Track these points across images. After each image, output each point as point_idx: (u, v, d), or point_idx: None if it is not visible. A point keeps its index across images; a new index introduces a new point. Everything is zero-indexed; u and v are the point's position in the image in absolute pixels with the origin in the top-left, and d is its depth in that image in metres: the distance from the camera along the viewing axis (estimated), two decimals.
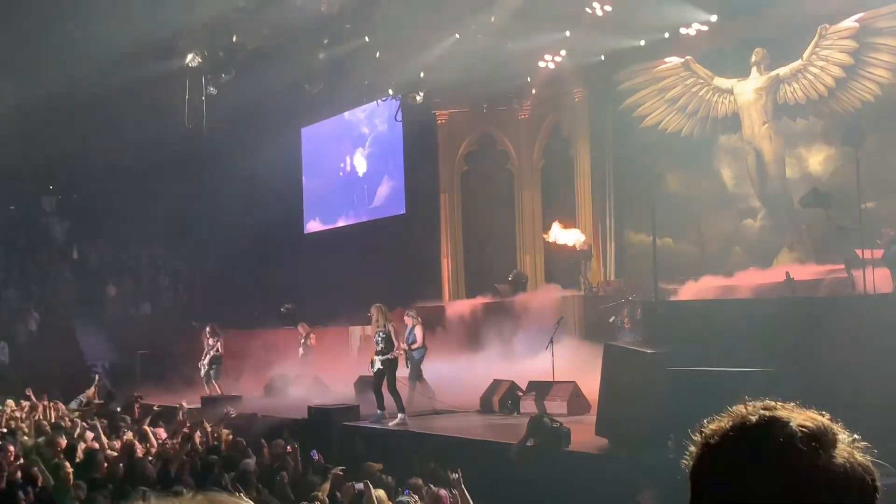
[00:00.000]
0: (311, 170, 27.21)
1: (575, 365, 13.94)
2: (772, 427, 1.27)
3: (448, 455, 10.06)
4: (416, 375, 14.47)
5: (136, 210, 25.01)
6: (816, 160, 16.53)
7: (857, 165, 10.03)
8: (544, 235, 19.52)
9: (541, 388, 13.39)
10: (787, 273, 11.51)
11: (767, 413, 1.30)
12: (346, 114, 25.33)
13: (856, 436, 1.31)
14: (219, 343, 17.87)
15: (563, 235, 18.85)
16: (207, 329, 18.24)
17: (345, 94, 22.29)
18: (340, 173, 26.08)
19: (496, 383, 14.19)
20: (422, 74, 20.53)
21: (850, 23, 15.91)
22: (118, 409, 15.51)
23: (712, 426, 1.33)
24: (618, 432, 9.42)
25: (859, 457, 1.27)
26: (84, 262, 27.74)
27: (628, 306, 15.43)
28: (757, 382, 7.91)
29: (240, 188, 24.59)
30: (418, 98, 20.92)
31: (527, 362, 15.00)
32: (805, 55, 16.56)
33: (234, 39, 19.36)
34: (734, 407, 1.34)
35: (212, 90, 19.30)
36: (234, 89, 20.49)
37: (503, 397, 13.77)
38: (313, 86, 20.95)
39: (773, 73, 17.06)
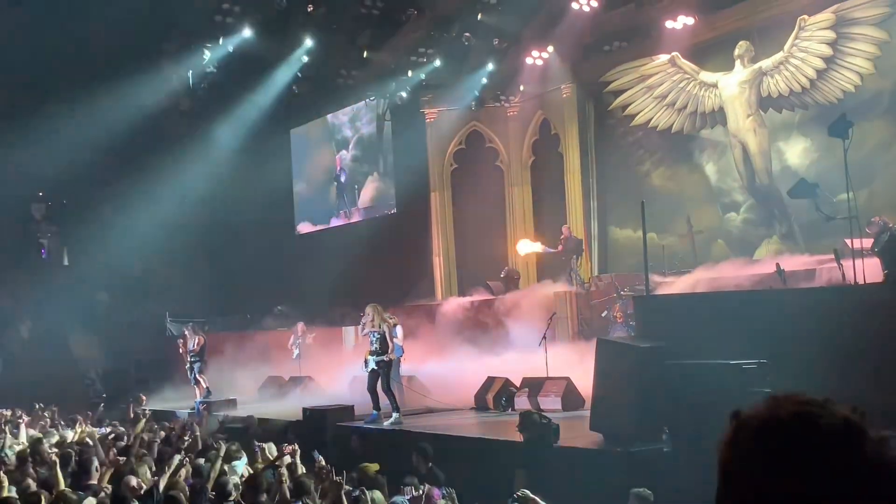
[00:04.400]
0: (301, 170, 27.19)
1: (568, 360, 13.97)
2: (803, 422, 1.29)
3: (443, 453, 10.08)
4: (397, 375, 14.52)
5: (126, 216, 24.90)
6: (798, 151, 16.64)
7: (845, 156, 10.06)
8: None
9: (535, 385, 13.41)
10: (778, 264, 11.54)
11: (799, 408, 1.31)
12: (335, 114, 25.31)
13: (885, 433, 1.31)
14: (196, 340, 18.06)
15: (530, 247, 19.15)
16: (186, 331, 18.49)
17: (333, 94, 22.33)
18: (330, 173, 26.05)
19: (490, 380, 14.20)
20: (409, 73, 20.59)
21: (826, 13, 16.00)
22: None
23: (744, 417, 1.34)
24: (612, 427, 9.44)
25: (889, 453, 1.29)
26: (75, 268, 27.61)
27: (620, 301, 15.48)
28: (750, 375, 7.95)
29: (230, 190, 24.58)
30: (403, 95, 21.03)
31: (520, 359, 15.02)
32: (786, 47, 16.65)
33: (221, 42, 19.43)
34: (766, 399, 1.35)
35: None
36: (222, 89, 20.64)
37: (497, 394, 13.78)
38: (301, 87, 21.10)
39: (757, 65, 17.14)
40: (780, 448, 1.27)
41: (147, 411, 15.26)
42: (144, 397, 17.70)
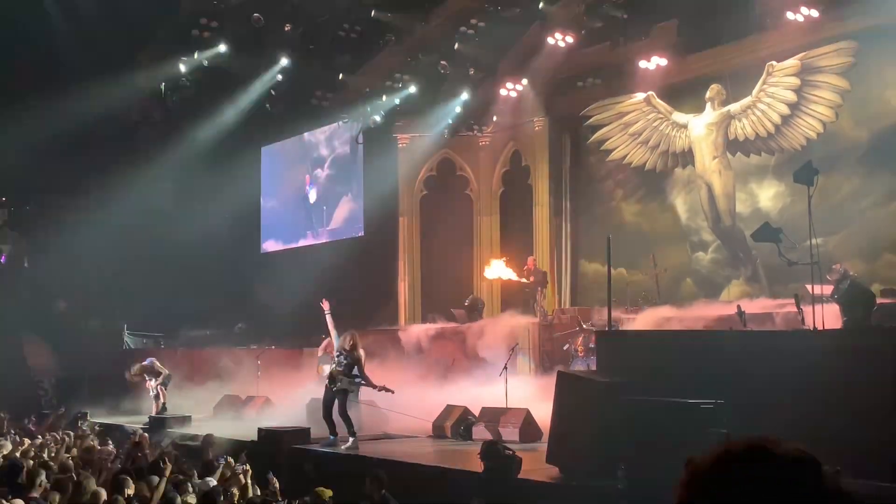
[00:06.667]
0: (270, 188, 27.06)
1: (528, 392, 13.96)
2: (758, 455, 1.29)
3: (398, 480, 10.00)
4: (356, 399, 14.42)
5: (89, 224, 24.60)
6: (766, 196, 16.86)
7: (809, 203, 10.21)
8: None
9: (493, 415, 13.37)
10: (739, 306, 11.65)
11: (753, 442, 1.32)
12: (307, 134, 25.26)
13: (838, 467, 1.33)
14: (153, 362, 17.92)
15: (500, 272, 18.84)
16: (154, 361, 18.27)
17: (306, 114, 22.30)
18: (299, 193, 25.96)
19: (449, 408, 14.15)
20: (384, 98, 20.65)
21: (793, 60, 16.31)
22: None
23: (699, 459, 1.34)
24: (568, 460, 9.42)
25: (844, 485, 1.29)
26: (34, 275, 27.21)
27: (582, 335, 15.52)
28: (706, 414, 7.99)
29: (196, 204, 24.35)
30: (377, 119, 21.07)
31: (481, 388, 14.99)
32: (754, 92, 16.94)
33: (196, 56, 19.37)
34: (720, 442, 1.36)
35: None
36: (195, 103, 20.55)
37: (456, 423, 13.73)
38: (274, 106, 21.08)
39: (725, 109, 17.41)
40: (738, 481, 1.27)
41: (97, 426, 14.99)
42: (88, 414, 17.38)
